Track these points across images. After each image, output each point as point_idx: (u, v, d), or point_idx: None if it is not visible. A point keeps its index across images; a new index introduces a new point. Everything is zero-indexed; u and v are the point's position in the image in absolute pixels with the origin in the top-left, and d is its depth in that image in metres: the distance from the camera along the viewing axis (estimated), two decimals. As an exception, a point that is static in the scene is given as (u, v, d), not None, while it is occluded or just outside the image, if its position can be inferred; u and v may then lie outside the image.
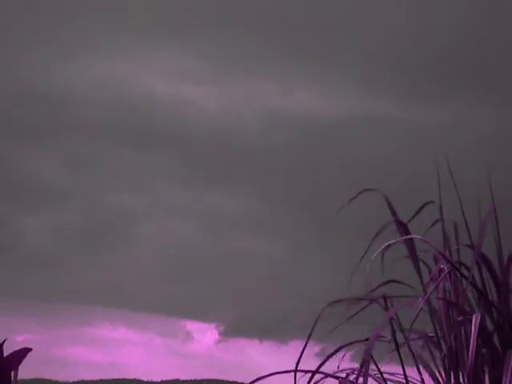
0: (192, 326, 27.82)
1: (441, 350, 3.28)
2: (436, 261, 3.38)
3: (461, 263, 3.33)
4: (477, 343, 3.03)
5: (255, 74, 30.28)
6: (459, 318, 3.22)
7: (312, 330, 3.36)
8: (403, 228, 3.44)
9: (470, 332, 3.07)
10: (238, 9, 28.85)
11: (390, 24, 28.03)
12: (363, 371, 2.99)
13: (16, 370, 3.21)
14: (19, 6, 28.56)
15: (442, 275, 3.23)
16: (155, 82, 30.88)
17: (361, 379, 3.11)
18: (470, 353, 3.01)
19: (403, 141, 27.65)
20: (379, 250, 3.31)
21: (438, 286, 3.25)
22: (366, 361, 2.96)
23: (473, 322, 3.07)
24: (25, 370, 3.25)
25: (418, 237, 3.37)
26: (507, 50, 24.12)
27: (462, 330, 3.21)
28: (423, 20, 27.71)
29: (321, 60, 29.21)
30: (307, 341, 3.35)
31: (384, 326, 3.10)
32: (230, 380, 25.00)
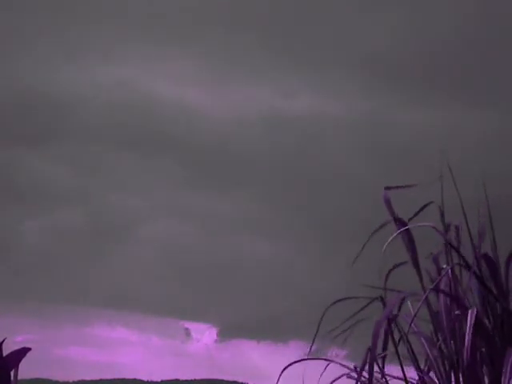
0: (191, 326, 27.82)
1: (439, 348, 3.29)
2: (435, 261, 3.39)
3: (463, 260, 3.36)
4: (475, 340, 3.04)
5: (255, 77, 30.27)
6: (457, 312, 3.23)
7: (317, 330, 3.36)
8: (403, 226, 3.45)
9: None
10: (238, 12, 28.83)
11: (389, 26, 28.01)
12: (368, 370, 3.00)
13: (16, 370, 3.21)
14: (21, 11, 28.53)
15: (447, 268, 3.25)
16: (156, 85, 30.88)
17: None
18: (466, 346, 3.01)
19: (403, 141, 27.62)
20: (386, 244, 3.31)
21: (440, 280, 3.27)
22: (372, 358, 2.96)
23: (469, 316, 3.08)
24: (25, 370, 3.24)
25: (429, 224, 3.39)
26: (507, 50, 24.10)
27: (460, 326, 3.22)
28: (422, 22, 27.69)
29: (321, 62, 29.19)
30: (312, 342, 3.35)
31: (384, 321, 3.10)
32: (230, 380, 25.00)
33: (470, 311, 3.10)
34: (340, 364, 3.40)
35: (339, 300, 3.41)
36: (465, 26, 26.65)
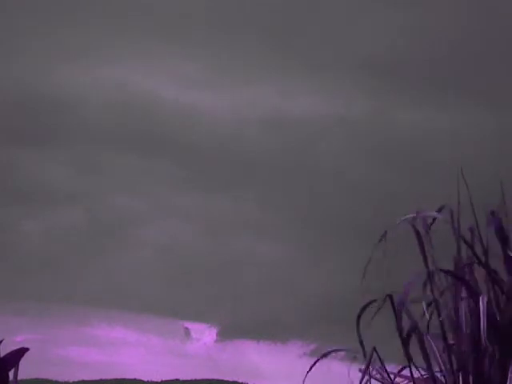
0: (191, 326, 27.83)
1: (448, 348, 3.29)
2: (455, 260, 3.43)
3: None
4: (487, 337, 3.05)
5: (256, 77, 30.28)
6: (464, 295, 3.25)
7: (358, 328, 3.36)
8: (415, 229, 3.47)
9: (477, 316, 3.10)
10: (238, 13, 28.85)
11: (389, 27, 28.03)
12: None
13: (16, 369, 3.21)
14: (21, 11, 28.55)
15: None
16: (156, 85, 30.88)
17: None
18: (481, 331, 3.01)
19: (403, 141, 27.65)
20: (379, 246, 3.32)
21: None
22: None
23: (480, 301, 3.10)
24: (25, 370, 3.24)
25: (437, 215, 3.40)
26: (507, 50, 24.11)
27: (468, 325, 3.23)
28: (422, 22, 27.70)
29: (321, 63, 29.20)
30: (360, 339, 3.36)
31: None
32: (230, 380, 25.03)
33: (481, 296, 3.11)
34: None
35: (372, 301, 3.39)
36: (464, 27, 26.66)
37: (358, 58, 28.45)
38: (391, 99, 29.40)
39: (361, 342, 3.34)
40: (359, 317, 3.35)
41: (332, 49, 29.14)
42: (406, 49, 28.08)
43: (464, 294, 3.31)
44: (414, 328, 3.30)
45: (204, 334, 27.53)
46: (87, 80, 30.80)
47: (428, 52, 27.19)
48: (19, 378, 3.24)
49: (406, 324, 3.38)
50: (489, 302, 3.21)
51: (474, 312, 3.21)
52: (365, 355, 3.33)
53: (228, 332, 26.10)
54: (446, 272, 3.35)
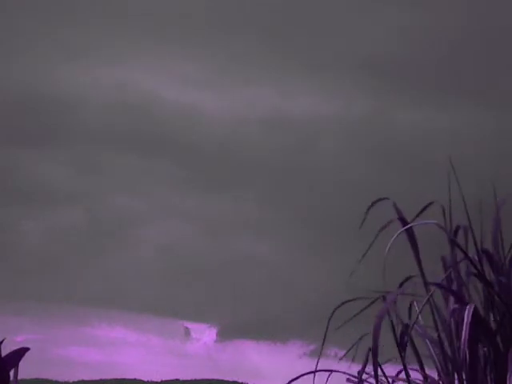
0: (191, 326, 27.84)
1: (443, 349, 3.29)
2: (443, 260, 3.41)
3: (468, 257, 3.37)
4: (477, 339, 3.04)
5: (256, 77, 30.29)
6: (455, 306, 3.24)
7: (326, 330, 3.36)
8: (406, 225, 3.46)
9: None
10: (238, 13, 28.85)
11: (389, 27, 28.03)
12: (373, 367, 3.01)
13: (16, 369, 3.21)
14: (20, 11, 28.55)
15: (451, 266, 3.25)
16: (156, 85, 30.89)
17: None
18: (462, 342, 3.01)
19: (403, 141, 27.66)
20: (390, 242, 3.32)
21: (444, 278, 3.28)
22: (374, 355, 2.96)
23: (466, 312, 3.08)
24: (25, 370, 3.25)
25: (432, 222, 3.40)
26: (507, 50, 24.12)
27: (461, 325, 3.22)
28: (421, 22, 27.70)
29: (321, 63, 29.21)
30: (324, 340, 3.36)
31: (384, 314, 3.10)
32: (230, 380, 25.05)
33: (467, 307, 3.10)
34: (344, 373, 3.41)
35: (348, 301, 3.40)
36: (464, 27, 26.66)
37: (358, 58, 28.46)
38: (391, 99, 29.42)
39: (322, 344, 3.35)
40: (330, 318, 3.36)
41: (332, 49, 29.14)
42: (406, 49, 28.09)
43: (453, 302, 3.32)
44: (406, 328, 3.30)
45: (204, 334, 27.57)
46: (87, 80, 30.84)
47: (428, 52, 27.20)
48: (19, 377, 3.25)
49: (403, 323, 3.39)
50: (485, 304, 3.21)
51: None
52: (320, 354, 3.34)
53: (228, 332, 26.14)
54: (437, 285, 3.34)
